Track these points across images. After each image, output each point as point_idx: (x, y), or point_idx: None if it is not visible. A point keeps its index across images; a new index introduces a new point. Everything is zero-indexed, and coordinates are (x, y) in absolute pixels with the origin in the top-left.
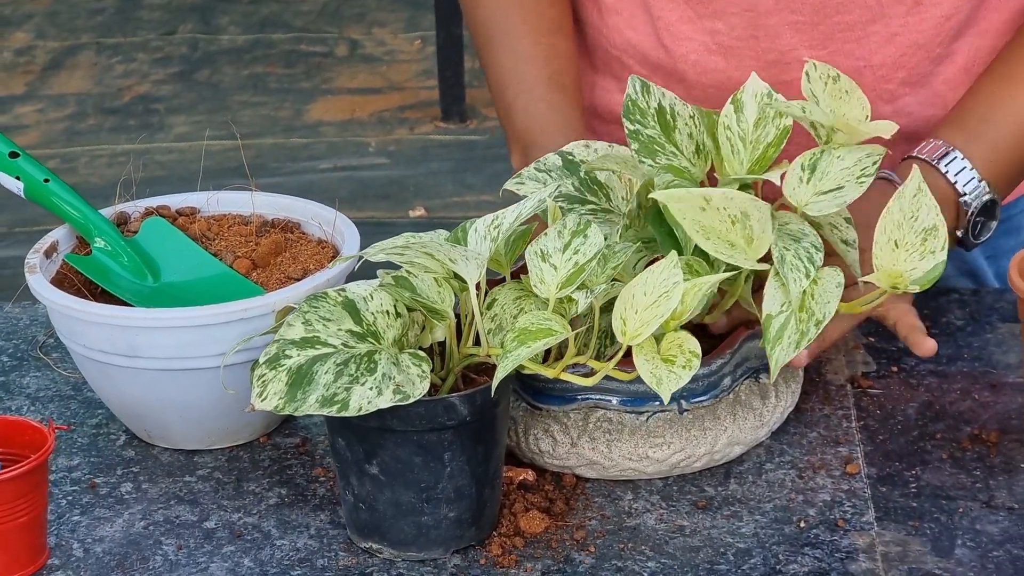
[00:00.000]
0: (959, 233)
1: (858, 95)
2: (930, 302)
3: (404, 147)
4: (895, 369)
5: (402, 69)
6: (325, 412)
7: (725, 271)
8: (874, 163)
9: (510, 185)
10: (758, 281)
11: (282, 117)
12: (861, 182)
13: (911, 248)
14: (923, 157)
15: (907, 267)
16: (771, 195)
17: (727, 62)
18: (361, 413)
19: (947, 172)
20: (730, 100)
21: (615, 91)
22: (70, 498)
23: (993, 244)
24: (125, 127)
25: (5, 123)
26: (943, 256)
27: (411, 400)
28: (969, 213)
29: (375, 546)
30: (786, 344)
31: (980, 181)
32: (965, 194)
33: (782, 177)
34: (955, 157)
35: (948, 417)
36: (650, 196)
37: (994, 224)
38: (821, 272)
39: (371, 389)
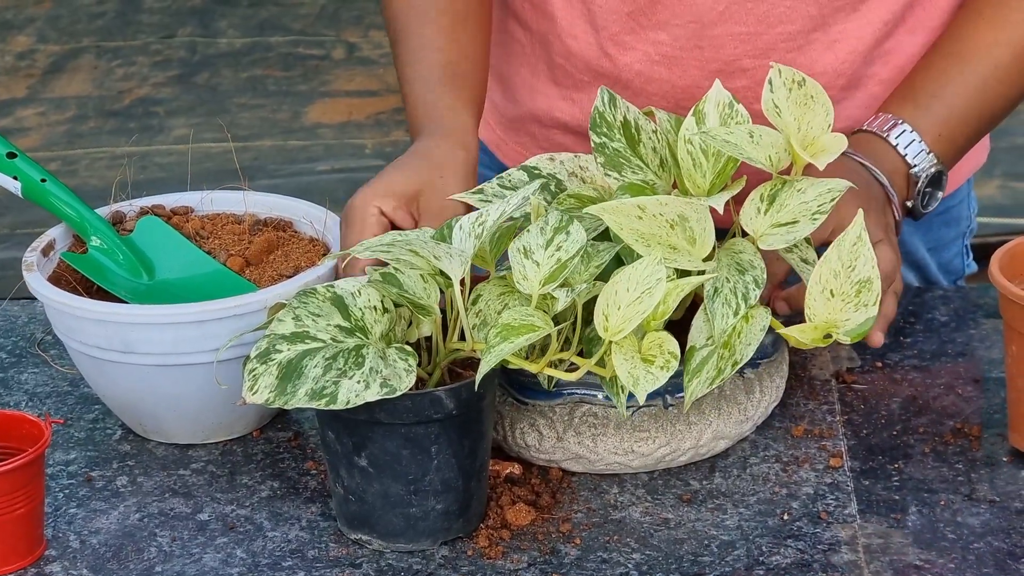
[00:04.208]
0: (909, 204)
1: (823, 100)
2: (914, 299)
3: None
4: (879, 365)
5: None
6: (314, 405)
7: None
8: (832, 199)
9: (471, 199)
10: None
11: (280, 119)
12: (815, 219)
13: (846, 299)
14: (874, 130)
15: (841, 317)
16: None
17: (671, 72)
18: (349, 406)
19: (897, 144)
20: (691, 112)
21: (556, 98)
22: (67, 491)
23: (935, 235)
24: (125, 130)
25: (7, 126)
26: (874, 311)
27: (398, 393)
28: (919, 184)
29: (364, 537)
30: (703, 378)
31: (928, 153)
32: (915, 166)
33: (726, 206)
34: (904, 130)
35: (931, 411)
36: (585, 211)
37: (940, 194)
38: (754, 310)
39: (359, 383)
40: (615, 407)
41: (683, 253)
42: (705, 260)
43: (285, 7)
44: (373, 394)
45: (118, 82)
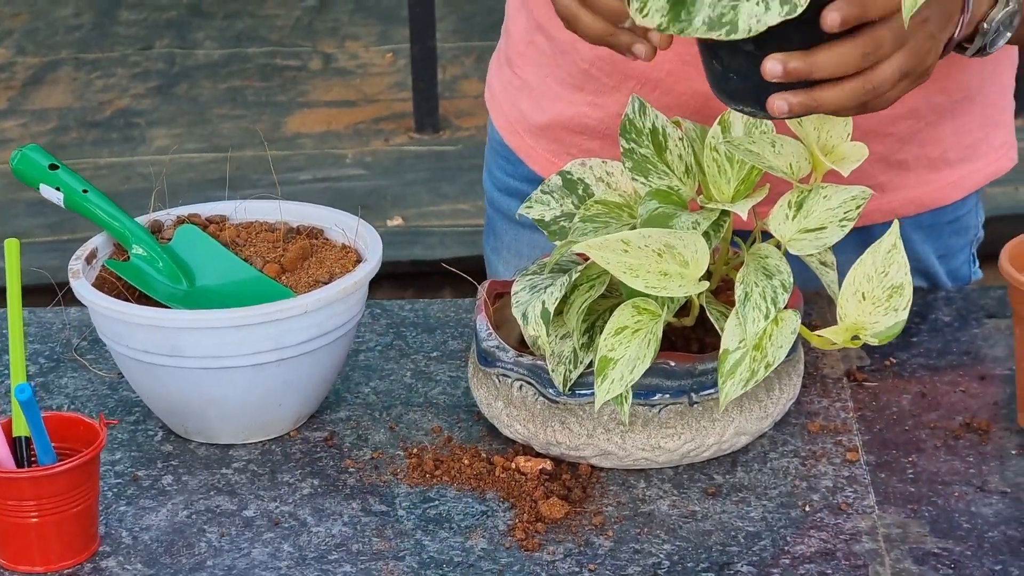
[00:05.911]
0: (984, 25)
1: None
2: (919, 300)
3: (380, 158)
4: (888, 363)
5: (375, 82)
6: (713, 35)
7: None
8: (858, 207)
9: (521, 210)
10: (724, 283)
11: (260, 130)
12: (843, 225)
13: (877, 302)
14: None
15: (870, 320)
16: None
17: (701, 72)
18: (751, 34)
19: None
20: (717, 120)
21: (582, 104)
22: (115, 490)
23: (945, 244)
24: (107, 140)
25: None
26: (904, 315)
27: (799, 10)
28: (1001, 11)
29: (748, 108)
30: (737, 380)
31: None
32: None
33: (749, 212)
34: None
35: (940, 407)
36: (574, 249)
37: (1009, 35)
38: (783, 314)
39: (758, 4)
40: (642, 405)
41: (675, 278)
42: (702, 279)
43: (260, 19)
44: (775, 16)
45: (98, 93)
